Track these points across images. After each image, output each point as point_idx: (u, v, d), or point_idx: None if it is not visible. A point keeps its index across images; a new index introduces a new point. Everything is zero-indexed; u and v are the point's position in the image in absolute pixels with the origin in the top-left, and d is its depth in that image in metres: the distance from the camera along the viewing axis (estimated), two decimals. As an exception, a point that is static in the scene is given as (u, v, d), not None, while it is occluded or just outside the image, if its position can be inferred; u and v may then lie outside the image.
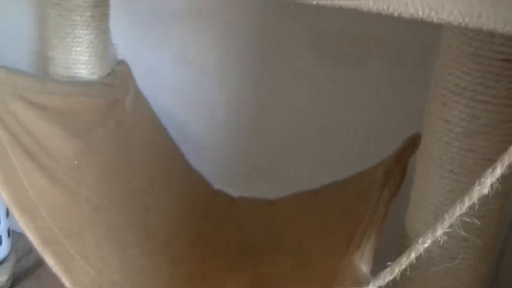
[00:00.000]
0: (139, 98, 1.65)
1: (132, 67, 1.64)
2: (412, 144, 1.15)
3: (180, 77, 1.77)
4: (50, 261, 1.10)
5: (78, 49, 1.51)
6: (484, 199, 0.70)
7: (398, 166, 1.17)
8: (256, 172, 1.76)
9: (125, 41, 1.67)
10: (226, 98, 1.73)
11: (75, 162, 1.33)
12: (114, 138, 1.49)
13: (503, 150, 0.68)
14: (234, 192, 1.68)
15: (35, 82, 1.32)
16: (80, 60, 1.51)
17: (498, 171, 0.67)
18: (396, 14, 0.61)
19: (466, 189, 0.71)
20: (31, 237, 1.10)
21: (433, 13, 0.59)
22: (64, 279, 1.10)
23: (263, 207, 1.59)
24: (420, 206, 0.94)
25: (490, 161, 0.73)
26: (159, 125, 1.69)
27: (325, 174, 1.47)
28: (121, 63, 1.64)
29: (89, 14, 1.47)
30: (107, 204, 1.38)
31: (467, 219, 0.73)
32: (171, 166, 1.67)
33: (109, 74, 1.58)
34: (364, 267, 0.92)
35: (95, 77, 1.53)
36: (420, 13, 0.60)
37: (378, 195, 1.11)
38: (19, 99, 1.24)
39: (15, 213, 1.10)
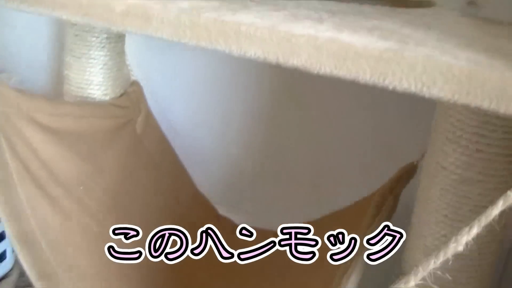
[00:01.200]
0: (150, 120, 1.65)
1: (145, 88, 1.66)
2: (407, 174, 1.17)
3: (191, 101, 1.80)
4: None
5: (92, 69, 1.52)
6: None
7: (391, 197, 1.18)
8: (261, 199, 1.77)
9: (140, 62, 1.69)
10: (236, 123, 1.75)
11: (81, 188, 1.34)
12: (122, 161, 1.50)
13: (497, 197, 0.70)
14: (238, 218, 1.69)
15: (47, 104, 1.33)
16: (94, 81, 1.52)
17: (475, 231, 0.69)
18: (390, 87, 0.64)
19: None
20: (28, 271, 1.11)
21: (425, 89, 0.63)
22: None
23: (266, 236, 1.60)
24: (416, 246, 0.97)
25: (484, 208, 0.73)
26: (169, 148, 1.69)
27: (324, 204, 1.49)
28: (134, 84, 1.64)
29: (105, 35, 1.49)
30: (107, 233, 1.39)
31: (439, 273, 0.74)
32: (178, 190, 1.67)
33: (121, 95, 1.58)
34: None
35: (107, 98, 1.54)
36: (413, 87, 0.63)
37: (367, 226, 1.13)
38: (31, 122, 1.25)
39: (15, 245, 1.11)
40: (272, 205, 1.76)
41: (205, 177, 1.76)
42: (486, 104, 0.61)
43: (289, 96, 1.65)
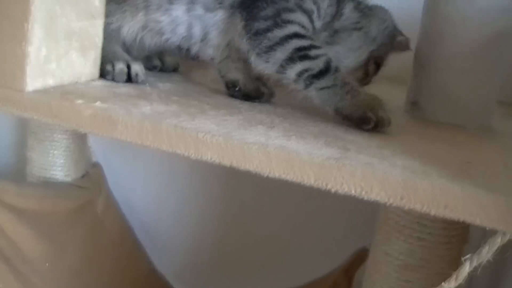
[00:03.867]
0: (110, 201, 1.68)
1: (105, 170, 1.70)
2: (360, 258, 1.22)
3: (151, 182, 1.84)
4: None
5: (55, 152, 1.55)
6: None
7: (345, 279, 1.23)
8: (219, 277, 1.80)
9: (101, 144, 1.74)
10: (195, 204, 1.80)
11: (47, 264, 1.37)
12: (84, 241, 1.53)
13: (439, 282, 0.77)
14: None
15: (12, 186, 1.38)
16: (56, 163, 1.55)
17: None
18: (333, 190, 0.70)
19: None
20: None
21: (363, 193, 0.69)
22: None
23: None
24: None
25: None
26: (128, 228, 1.72)
27: (280, 284, 1.53)
28: (95, 165, 1.68)
29: (68, 119, 1.52)
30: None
31: None
32: (136, 269, 1.69)
33: (83, 176, 1.62)
34: None
35: (69, 179, 1.57)
36: (353, 192, 0.69)
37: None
38: None
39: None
40: (228, 285, 1.79)
41: (163, 256, 1.79)
42: (418, 207, 0.67)
43: (241, 186, 1.71)
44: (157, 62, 1.21)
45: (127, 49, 1.09)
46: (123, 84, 1.01)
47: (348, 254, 1.26)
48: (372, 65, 1.09)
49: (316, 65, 0.91)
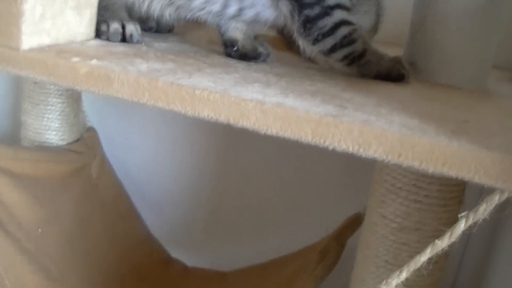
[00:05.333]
0: (105, 165, 1.68)
1: (100, 134, 1.69)
2: (352, 224, 1.23)
3: (146, 146, 1.84)
4: None
5: (50, 116, 1.55)
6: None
7: (336, 245, 1.23)
8: (212, 241, 1.82)
9: (96, 108, 1.74)
10: (189, 167, 1.80)
11: (39, 230, 1.38)
12: (78, 205, 1.53)
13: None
14: (190, 259, 1.73)
15: (6, 150, 1.37)
16: (51, 127, 1.55)
17: (404, 275, 0.76)
18: (330, 148, 0.70)
19: (399, 279, 0.78)
20: None
21: (361, 150, 0.69)
22: None
23: (216, 279, 1.64)
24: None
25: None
26: (123, 192, 1.73)
27: (274, 247, 1.54)
28: (90, 130, 1.68)
29: (63, 83, 1.52)
30: (64, 276, 1.42)
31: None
32: (130, 233, 1.70)
33: (78, 140, 1.62)
34: None
35: (64, 143, 1.57)
36: (351, 149, 0.69)
37: (311, 272, 1.18)
38: None
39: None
40: (223, 247, 1.80)
41: (158, 220, 1.80)
42: (416, 164, 0.67)
43: (236, 148, 1.72)
44: (153, 24, 1.20)
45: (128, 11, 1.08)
46: (119, 44, 1.01)
47: (344, 218, 1.26)
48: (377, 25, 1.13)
49: (358, 47, 0.99)
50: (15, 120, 1.78)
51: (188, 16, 1.06)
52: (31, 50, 0.88)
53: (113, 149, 1.73)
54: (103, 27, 1.03)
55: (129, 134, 1.84)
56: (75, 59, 0.84)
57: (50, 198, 1.44)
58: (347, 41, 0.99)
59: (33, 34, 0.88)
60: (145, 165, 1.86)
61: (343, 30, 0.99)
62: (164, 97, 0.77)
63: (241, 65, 0.97)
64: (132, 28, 1.03)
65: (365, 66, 1.00)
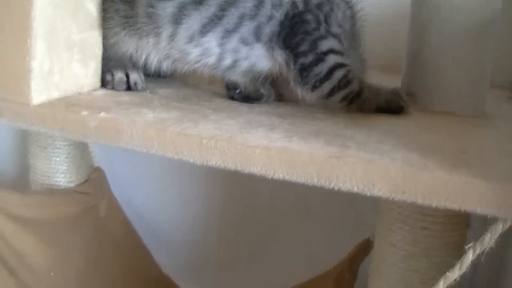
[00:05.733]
0: (113, 204, 1.69)
1: (107, 173, 1.70)
2: (363, 250, 1.22)
3: (153, 184, 1.86)
4: None
5: (57, 159, 1.55)
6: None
7: (349, 273, 1.23)
8: (224, 274, 1.82)
9: (102, 149, 1.75)
10: (198, 204, 1.82)
11: (52, 273, 1.39)
12: (88, 246, 1.53)
13: (444, 270, 0.78)
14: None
15: (15, 196, 1.39)
16: (59, 170, 1.56)
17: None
18: (336, 188, 0.72)
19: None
20: None
21: (366, 189, 0.71)
22: None
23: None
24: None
25: (432, 280, 0.82)
26: (132, 230, 1.73)
27: (286, 278, 1.55)
28: (97, 170, 1.68)
29: (69, 126, 1.54)
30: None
31: None
32: (141, 270, 1.70)
33: (85, 181, 1.62)
34: None
35: (72, 185, 1.58)
36: (355, 189, 0.72)
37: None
38: (3, 214, 1.31)
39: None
40: (234, 281, 1.80)
41: (169, 257, 1.81)
42: (419, 200, 0.70)
43: (242, 183, 1.73)
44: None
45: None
46: (124, 92, 1.03)
47: (351, 247, 1.27)
48: None
49: (354, 87, 1.01)
50: (23, 163, 1.80)
51: (184, 69, 1.07)
52: (41, 105, 0.91)
53: (120, 188, 1.74)
54: (108, 77, 1.06)
55: (135, 173, 1.86)
56: (84, 112, 0.87)
57: (60, 240, 1.45)
58: (344, 83, 1.00)
59: (43, 89, 0.91)
60: (152, 203, 1.87)
61: (339, 73, 1.00)
62: (173, 147, 0.80)
63: (244, 107, 0.99)
64: (136, 77, 1.06)
65: (364, 103, 1.02)
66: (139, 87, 1.06)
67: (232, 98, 1.07)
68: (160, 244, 1.81)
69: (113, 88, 1.05)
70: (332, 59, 1.00)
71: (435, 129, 0.95)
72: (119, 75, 1.05)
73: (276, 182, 0.79)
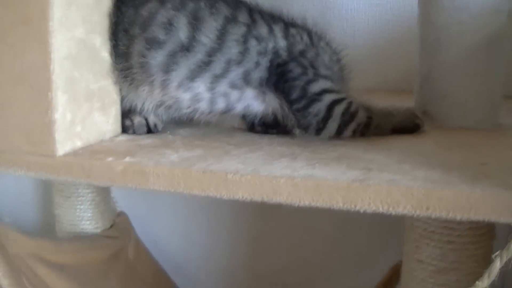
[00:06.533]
0: (140, 246, 1.72)
1: (130, 216, 1.74)
2: (395, 274, 1.23)
3: (176, 223, 1.88)
4: None
5: (82, 207, 1.59)
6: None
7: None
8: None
9: (123, 193, 1.78)
10: (221, 237, 1.83)
11: None
12: (121, 286, 1.57)
13: (472, 282, 0.79)
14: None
15: (50, 243, 1.42)
16: (84, 217, 1.59)
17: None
18: (361, 211, 0.74)
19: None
20: None
21: (390, 209, 0.73)
22: None
23: None
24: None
25: None
26: (160, 269, 1.76)
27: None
28: (121, 214, 1.72)
29: (90, 174, 1.56)
30: None
31: None
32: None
33: (111, 226, 1.66)
34: None
35: (98, 230, 1.61)
36: (380, 209, 0.73)
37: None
38: (39, 261, 1.35)
39: None
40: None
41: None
42: (443, 215, 0.71)
43: (267, 213, 1.75)
44: None
45: None
46: (145, 136, 1.06)
47: (383, 271, 1.28)
48: None
49: (362, 117, 1.00)
50: (46, 213, 1.83)
51: (179, 115, 1.10)
52: (66, 155, 0.93)
53: (145, 232, 1.76)
54: (128, 122, 1.08)
55: (157, 213, 1.89)
56: (110, 158, 0.89)
57: (95, 284, 1.48)
58: (348, 117, 1.00)
59: (66, 140, 0.94)
60: (177, 242, 1.89)
61: (339, 109, 0.99)
62: (199, 184, 0.81)
63: (264, 140, 1.01)
64: (154, 119, 1.08)
65: (377, 129, 1.02)
66: (159, 128, 1.08)
67: (252, 128, 1.09)
68: (188, 282, 1.82)
69: (134, 132, 1.07)
70: (327, 98, 1.01)
71: (452, 145, 0.96)
72: (138, 119, 1.07)
73: (303, 210, 0.80)
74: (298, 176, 0.77)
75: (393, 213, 0.73)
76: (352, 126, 1.00)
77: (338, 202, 0.74)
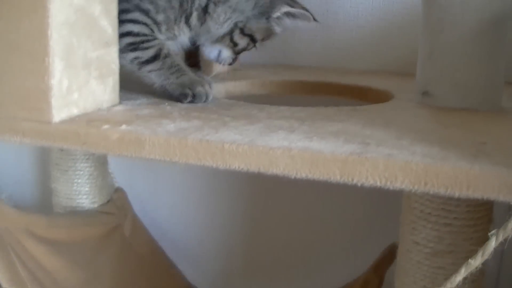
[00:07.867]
0: (137, 223, 1.72)
1: (128, 193, 1.73)
2: (389, 255, 1.24)
3: (175, 200, 1.88)
4: None
5: (79, 181, 1.59)
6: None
7: (376, 277, 1.25)
8: (252, 284, 1.84)
9: (122, 169, 1.77)
10: (222, 215, 1.84)
11: None
12: (116, 264, 1.56)
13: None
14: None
15: (42, 219, 1.41)
16: (81, 191, 1.59)
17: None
18: (359, 184, 0.73)
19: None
20: None
21: (388, 183, 0.72)
22: None
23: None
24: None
25: None
26: (157, 246, 1.76)
27: (314, 285, 1.55)
28: (118, 190, 1.72)
29: (89, 148, 1.56)
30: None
31: None
32: (170, 286, 1.73)
33: (108, 201, 1.66)
34: None
35: (95, 206, 1.61)
36: (378, 183, 0.72)
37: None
38: (30, 236, 1.34)
39: None
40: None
41: (196, 270, 1.83)
42: (442, 191, 0.70)
43: (263, 189, 1.75)
44: None
45: None
46: (144, 106, 1.04)
47: (380, 249, 1.28)
48: (241, 35, 1.21)
49: (146, 54, 1.10)
50: (44, 187, 1.82)
51: None
52: (62, 122, 0.92)
53: (142, 207, 1.76)
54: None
55: (155, 191, 1.88)
56: (106, 126, 0.88)
57: (88, 260, 1.48)
58: (131, 48, 1.12)
59: (63, 107, 0.93)
60: (175, 218, 1.89)
61: (126, 40, 1.11)
62: (195, 154, 0.80)
63: (263, 114, 1.00)
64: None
65: (155, 73, 1.12)
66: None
67: None
68: (186, 259, 1.83)
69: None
70: (125, 28, 1.11)
71: (452, 124, 0.95)
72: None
73: (297, 185, 0.79)
74: (295, 147, 0.76)
75: (391, 187, 0.72)
76: (131, 55, 1.11)
77: (335, 175, 0.73)
